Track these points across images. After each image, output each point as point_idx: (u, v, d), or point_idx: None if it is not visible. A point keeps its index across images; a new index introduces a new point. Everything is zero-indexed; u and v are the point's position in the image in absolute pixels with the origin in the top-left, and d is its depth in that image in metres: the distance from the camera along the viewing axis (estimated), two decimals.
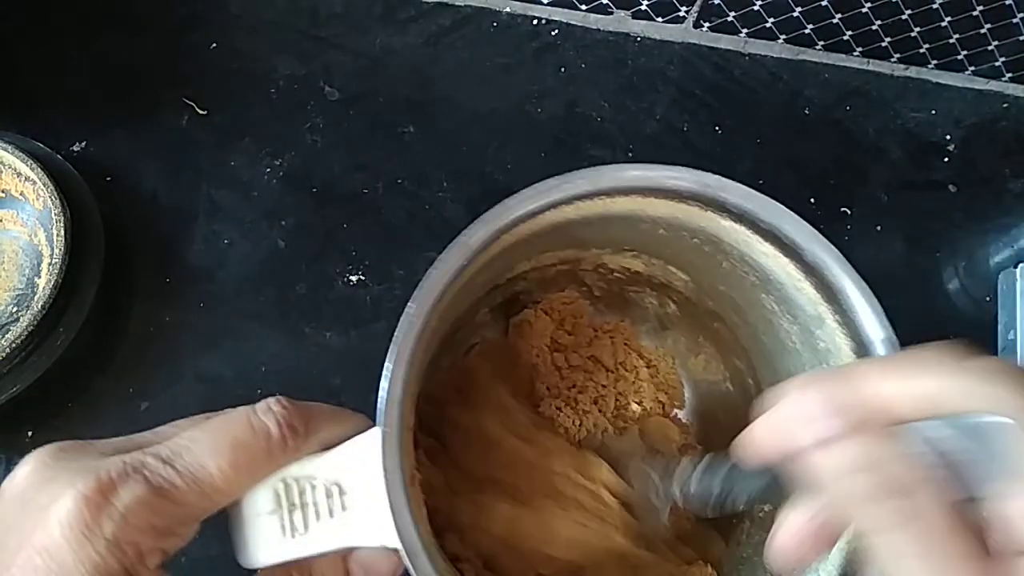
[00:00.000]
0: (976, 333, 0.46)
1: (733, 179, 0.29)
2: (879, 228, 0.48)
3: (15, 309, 0.42)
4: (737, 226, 0.29)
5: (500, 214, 0.27)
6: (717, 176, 0.29)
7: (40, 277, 0.42)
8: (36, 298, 0.38)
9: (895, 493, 0.17)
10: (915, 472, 0.17)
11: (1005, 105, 0.53)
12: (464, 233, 0.27)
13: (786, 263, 0.29)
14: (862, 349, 0.27)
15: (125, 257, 0.43)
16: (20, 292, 0.42)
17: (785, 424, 0.19)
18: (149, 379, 0.42)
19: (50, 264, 0.40)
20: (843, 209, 0.48)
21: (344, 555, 0.24)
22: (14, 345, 0.37)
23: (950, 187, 0.50)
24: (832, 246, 0.28)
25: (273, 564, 0.24)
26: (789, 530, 0.20)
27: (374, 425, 0.25)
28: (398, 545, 0.23)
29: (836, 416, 0.18)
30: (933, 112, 0.52)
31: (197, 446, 0.22)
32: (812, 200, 0.48)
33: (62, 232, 0.39)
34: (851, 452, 0.18)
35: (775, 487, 0.22)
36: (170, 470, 0.21)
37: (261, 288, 0.44)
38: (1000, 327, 0.46)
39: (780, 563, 0.21)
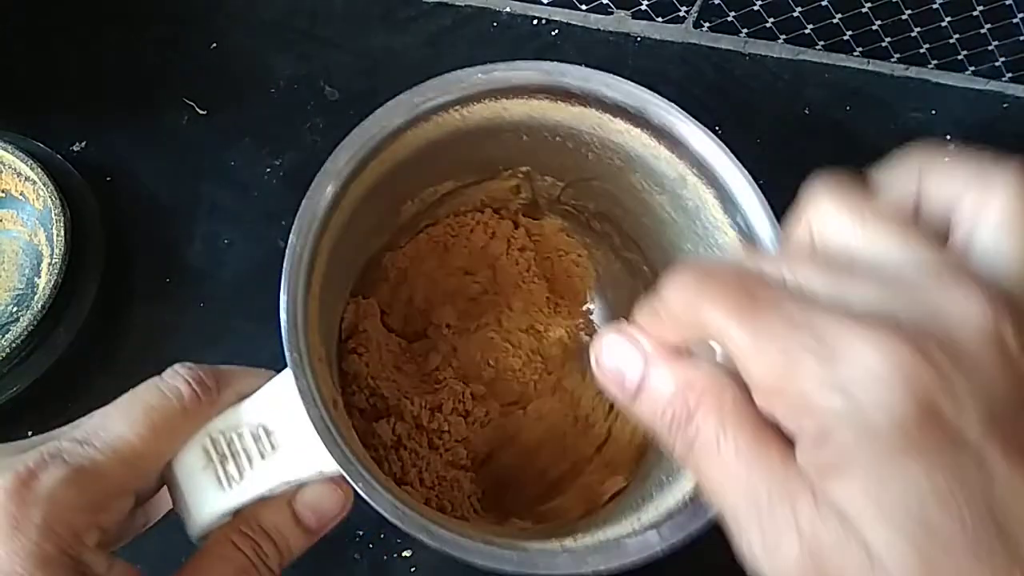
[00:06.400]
0: None
1: None
2: None
3: (15, 309, 0.42)
4: (586, 110, 0.31)
5: (358, 135, 0.28)
6: (554, 63, 0.30)
7: (40, 277, 0.42)
8: (36, 298, 0.38)
9: (680, 421, 0.18)
10: (694, 393, 0.18)
11: (1005, 105, 0.53)
12: (328, 160, 0.28)
13: (638, 134, 0.30)
14: (722, 193, 0.29)
15: (125, 257, 0.43)
16: (20, 292, 0.42)
17: (607, 377, 0.20)
18: (149, 379, 0.42)
19: (50, 264, 0.40)
20: None
21: (289, 500, 0.25)
22: (14, 345, 0.37)
23: None
24: (668, 101, 0.30)
25: (218, 517, 0.24)
26: None
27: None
28: (332, 466, 0.24)
29: (631, 366, 0.19)
30: (933, 112, 0.52)
31: (110, 421, 0.23)
32: None
33: (62, 232, 0.39)
34: (646, 394, 0.19)
35: None
36: (88, 448, 0.22)
37: (261, 288, 0.44)
38: None
39: None
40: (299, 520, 0.25)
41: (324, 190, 0.27)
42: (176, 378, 0.24)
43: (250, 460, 0.24)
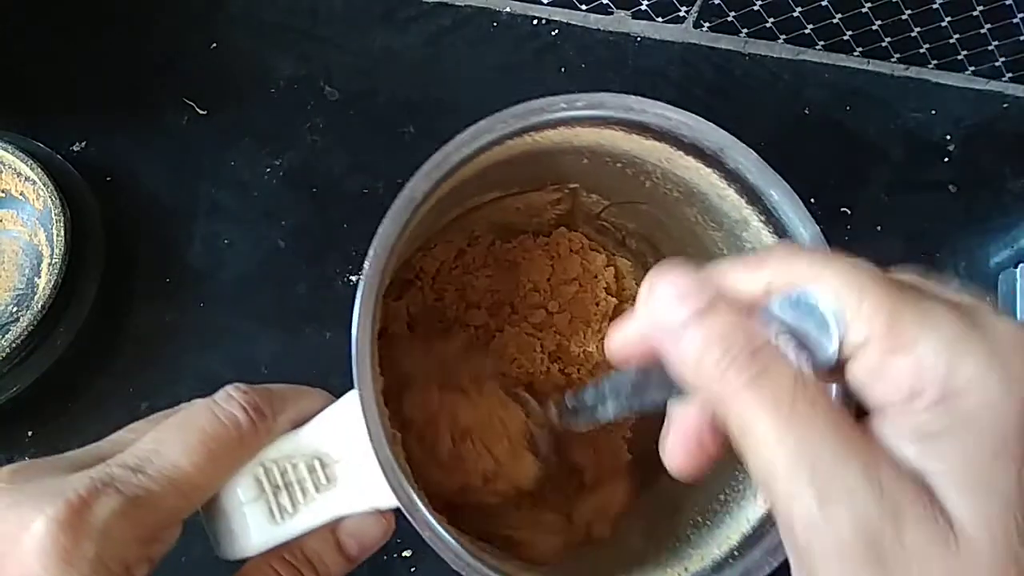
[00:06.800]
0: None
1: None
2: (879, 228, 0.48)
3: (15, 309, 0.42)
4: (659, 144, 0.30)
5: (440, 160, 0.28)
6: (638, 98, 0.30)
7: (40, 277, 0.42)
8: (36, 298, 0.38)
9: (744, 355, 0.18)
10: (762, 338, 0.18)
11: (1005, 105, 0.53)
12: (408, 188, 0.27)
13: (708, 173, 0.30)
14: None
15: (125, 257, 0.43)
16: (20, 292, 0.42)
17: (648, 316, 0.20)
18: (149, 379, 0.42)
19: (50, 264, 0.40)
20: (843, 209, 0.48)
21: (333, 528, 0.24)
22: (14, 345, 0.37)
23: (950, 187, 0.50)
24: (751, 150, 0.29)
25: (265, 549, 0.23)
26: (674, 435, 0.21)
27: (334, 400, 0.25)
28: (391, 503, 0.23)
29: (692, 298, 0.19)
30: (933, 112, 0.52)
31: (165, 447, 0.21)
32: (812, 200, 0.47)
33: (62, 232, 0.39)
34: (704, 327, 0.18)
35: (646, 389, 0.22)
36: (142, 477, 0.21)
37: (261, 288, 0.44)
38: None
39: (676, 470, 0.21)
40: (342, 548, 0.24)
41: (403, 217, 0.27)
42: (231, 403, 0.23)
43: (304, 492, 0.24)
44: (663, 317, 0.19)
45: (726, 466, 0.30)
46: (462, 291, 0.39)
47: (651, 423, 0.37)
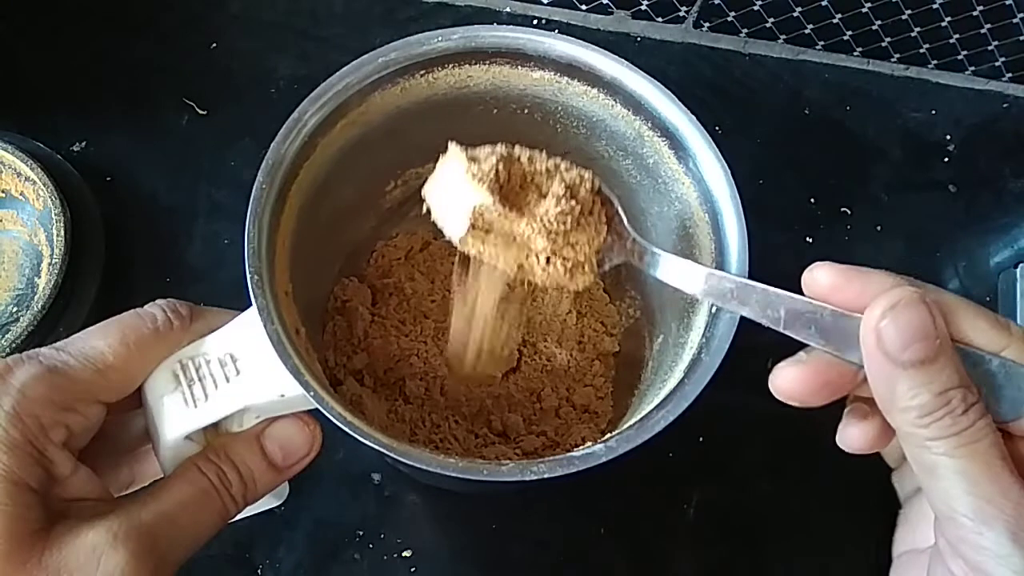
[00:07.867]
0: None
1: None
2: (879, 228, 0.48)
3: (15, 309, 0.42)
4: (544, 73, 0.32)
5: (323, 88, 0.30)
6: (510, 26, 0.31)
7: (40, 277, 0.42)
8: (36, 298, 0.38)
9: (955, 413, 0.20)
10: (973, 397, 0.20)
11: (1005, 105, 0.53)
12: (295, 111, 0.29)
13: (595, 94, 0.31)
14: (674, 142, 0.30)
15: (125, 257, 0.43)
16: (20, 292, 0.42)
17: (897, 335, 0.21)
18: None
19: (50, 264, 0.40)
20: (843, 209, 0.48)
21: (258, 435, 0.26)
22: (14, 345, 0.37)
23: (950, 187, 0.50)
24: (617, 57, 0.30)
25: (182, 436, 0.25)
26: (807, 371, 0.23)
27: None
28: (293, 389, 0.25)
29: (924, 343, 0.20)
30: (933, 112, 0.52)
31: (88, 335, 0.25)
32: (812, 200, 0.48)
33: (62, 232, 0.39)
34: (927, 376, 0.20)
35: (799, 321, 0.23)
36: (63, 354, 0.23)
37: None
38: None
39: (783, 392, 0.23)
40: (266, 454, 0.26)
41: (290, 136, 0.29)
42: (153, 306, 0.26)
43: (216, 383, 0.26)
44: (888, 345, 0.21)
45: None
46: (429, 276, 0.40)
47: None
